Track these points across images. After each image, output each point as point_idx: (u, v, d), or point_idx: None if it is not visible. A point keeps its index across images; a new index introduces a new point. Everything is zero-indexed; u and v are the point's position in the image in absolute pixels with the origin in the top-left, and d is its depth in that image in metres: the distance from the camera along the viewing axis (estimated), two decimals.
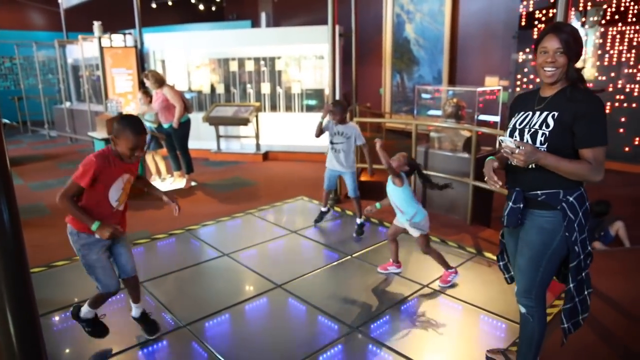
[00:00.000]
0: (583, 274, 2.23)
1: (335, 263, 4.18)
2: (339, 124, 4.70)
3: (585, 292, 2.27)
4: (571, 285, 2.24)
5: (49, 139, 11.68)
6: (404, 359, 2.84)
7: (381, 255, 4.29)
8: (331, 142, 4.78)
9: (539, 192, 2.20)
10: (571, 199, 2.16)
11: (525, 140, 2.19)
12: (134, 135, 2.63)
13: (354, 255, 4.30)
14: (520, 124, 2.26)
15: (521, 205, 2.24)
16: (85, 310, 2.97)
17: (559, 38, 2.10)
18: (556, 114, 2.13)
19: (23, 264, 1.44)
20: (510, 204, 2.27)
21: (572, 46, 2.10)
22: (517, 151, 2.07)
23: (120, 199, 2.82)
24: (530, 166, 2.15)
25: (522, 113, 2.29)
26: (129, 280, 2.99)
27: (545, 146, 2.14)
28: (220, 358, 2.86)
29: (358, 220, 4.82)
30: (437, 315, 3.35)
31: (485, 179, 2.31)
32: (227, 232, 5.08)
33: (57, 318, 3.35)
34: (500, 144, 2.19)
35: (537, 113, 2.20)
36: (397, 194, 3.60)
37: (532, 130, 2.19)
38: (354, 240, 4.71)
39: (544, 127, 2.15)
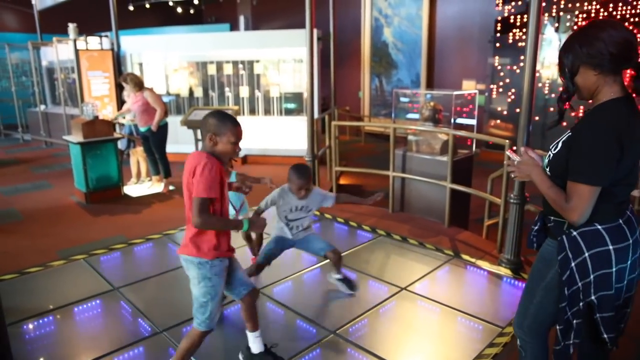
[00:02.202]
0: (573, 322, 1.88)
1: (313, 267, 4.17)
2: (301, 197, 3.46)
3: (568, 341, 1.92)
4: (557, 327, 1.96)
5: (23, 143, 11.42)
6: None
7: (359, 259, 4.30)
8: (285, 217, 3.53)
9: (551, 217, 1.98)
10: (575, 233, 1.85)
11: (544, 164, 2.00)
12: (236, 126, 2.37)
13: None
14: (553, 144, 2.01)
15: (536, 227, 2.09)
16: None
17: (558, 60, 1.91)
18: (569, 135, 1.88)
19: None
20: (533, 224, 2.14)
21: (563, 60, 1.86)
22: (516, 161, 1.99)
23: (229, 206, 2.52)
24: None
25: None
26: (251, 294, 2.67)
27: (548, 169, 1.95)
28: None
29: (337, 276, 3.66)
30: (415, 318, 3.37)
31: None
32: None
33: (29, 326, 3.27)
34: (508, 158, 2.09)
35: (568, 131, 1.92)
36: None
37: (549, 150, 2.00)
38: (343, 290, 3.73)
39: (553, 149, 1.94)
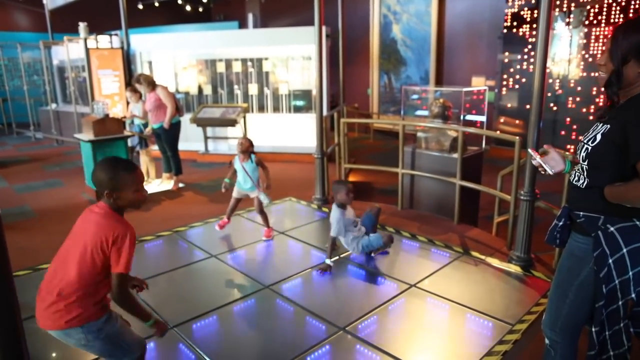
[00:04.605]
0: (609, 327, 1.86)
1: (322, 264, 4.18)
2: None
3: (611, 353, 1.88)
4: (593, 329, 1.91)
5: (35, 141, 11.55)
6: (392, 359, 2.85)
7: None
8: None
9: (580, 212, 1.93)
10: (612, 228, 1.82)
11: (580, 157, 1.92)
12: (131, 172, 2.10)
13: (341, 256, 4.31)
14: (585, 137, 1.95)
15: (560, 223, 2.04)
16: None
17: (611, 36, 1.82)
18: (608, 127, 1.82)
19: (5, 266, 1.43)
20: (555, 220, 2.09)
21: (618, 47, 1.78)
22: (537, 160, 2.00)
23: None
24: (578, 183, 1.93)
25: (597, 123, 1.95)
26: None
27: (585, 163, 1.88)
28: None
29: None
30: (424, 315, 3.37)
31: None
32: (215, 233, 5.06)
33: None
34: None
35: (600, 125, 1.89)
36: (251, 168, 4.59)
37: (582, 143, 1.92)
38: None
39: (590, 142, 1.87)
